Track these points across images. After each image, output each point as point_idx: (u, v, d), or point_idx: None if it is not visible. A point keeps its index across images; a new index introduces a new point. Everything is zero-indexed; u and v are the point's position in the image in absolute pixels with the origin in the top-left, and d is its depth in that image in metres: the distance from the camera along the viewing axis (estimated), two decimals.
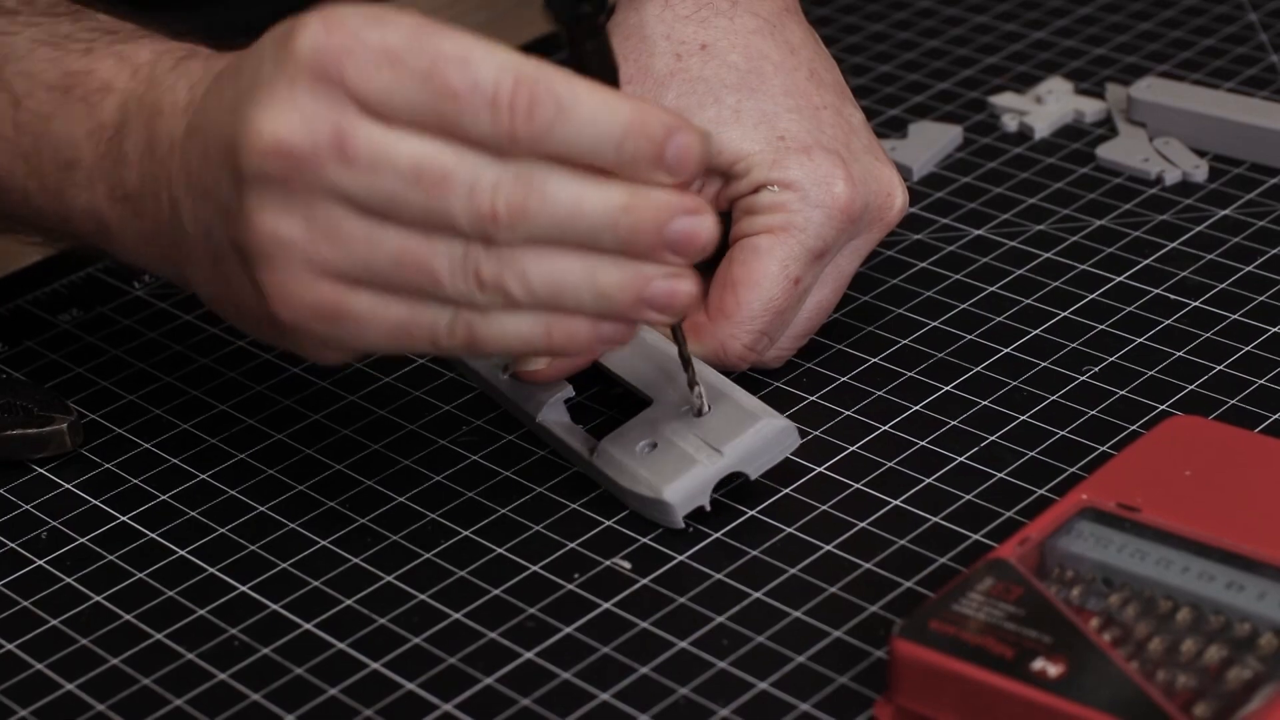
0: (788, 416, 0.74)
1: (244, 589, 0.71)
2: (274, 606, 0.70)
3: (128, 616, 0.70)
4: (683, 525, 0.72)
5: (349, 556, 0.72)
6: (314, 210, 0.62)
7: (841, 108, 0.78)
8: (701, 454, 0.72)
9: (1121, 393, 0.77)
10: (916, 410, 0.77)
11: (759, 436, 0.72)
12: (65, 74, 0.71)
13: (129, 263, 0.73)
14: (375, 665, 0.67)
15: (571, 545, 0.71)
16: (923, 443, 0.75)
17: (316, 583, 0.71)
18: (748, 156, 0.76)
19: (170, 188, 0.67)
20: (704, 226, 0.63)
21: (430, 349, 0.64)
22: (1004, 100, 0.97)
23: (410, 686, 0.66)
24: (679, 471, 0.72)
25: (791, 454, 0.73)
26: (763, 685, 0.65)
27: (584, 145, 0.61)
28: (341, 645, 0.68)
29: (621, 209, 0.62)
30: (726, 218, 0.79)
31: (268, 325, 0.65)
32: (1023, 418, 0.76)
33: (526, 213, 0.61)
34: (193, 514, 0.74)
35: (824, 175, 0.76)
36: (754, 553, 0.70)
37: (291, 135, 0.61)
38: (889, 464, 0.74)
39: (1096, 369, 0.78)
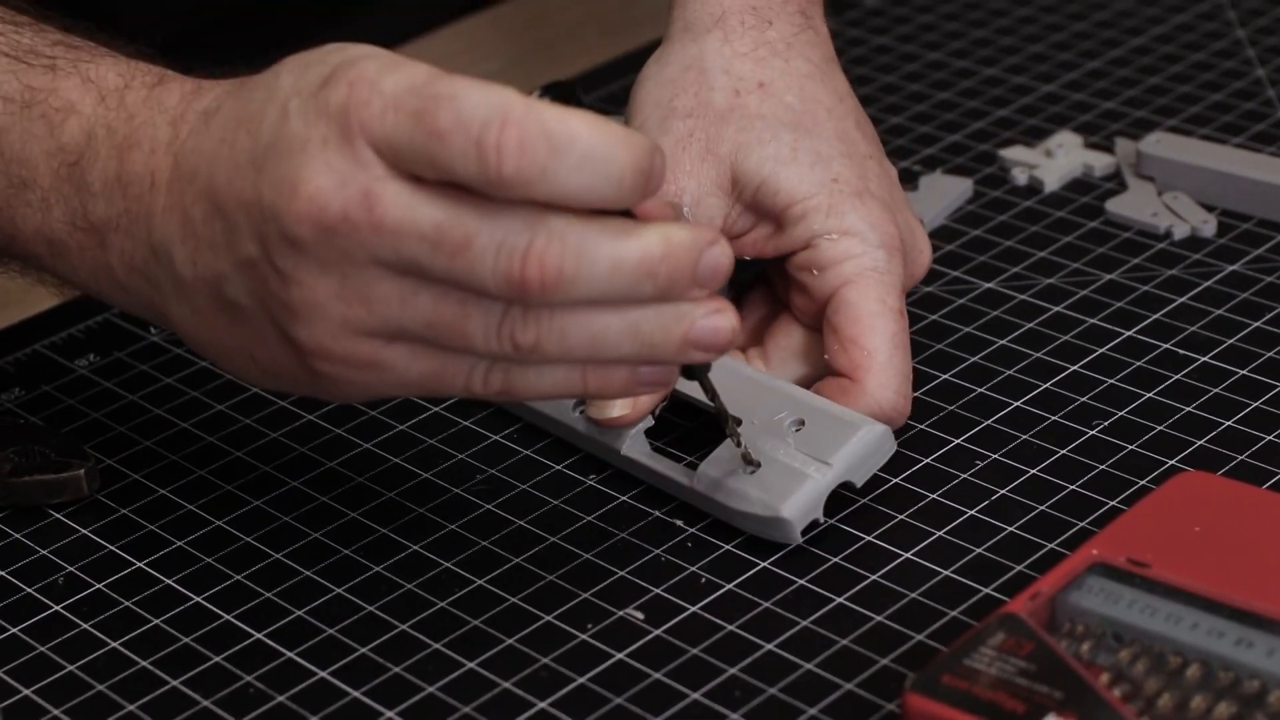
0: None
1: (259, 636, 0.71)
2: (289, 654, 0.70)
3: (144, 662, 0.70)
4: (801, 540, 0.72)
5: (363, 604, 0.72)
6: (348, 273, 0.62)
7: (882, 160, 0.80)
8: (809, 467, 0.72)
9: (1131, 447, 0.77)
10: (927, 463, 0.77)
11: (863, 444, 0.73)
12: (26, 88, 0.70)
13: (77, 288, 0.72)
14: (390, 713, 0.67)
15: (585, 595, 0.72)
16: (933, 495, 0.76)
17: (331, 630, 0.71)
18: (804, 200, 0.77)
19: (151, 228, 0.66)
20: (725, 254, 0.63)
21: (463, 395, 0.64)
22: (1014, 153, 0.97)
23: None
24: (791, 487, 0.72)
25: None
26: None
27: (580, 186, 0.60)
28: (356, 694, 0.68)
29: (660, 258, 0.61)
30: (748, 264, 0.80)
31: (290, 374, 0.65)
32: (1033, 471, 0.76)
33: (563, 279, 0.60)
34: (209, 560, 0.75)
35: (877, 218, 0.77)
36: (766, 604, 0.71)
37: (329, 203, 0.61)
38: (900, 516, 0.75)
39: (1106, 423, 0.79)
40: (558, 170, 0.60)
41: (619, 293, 0.62)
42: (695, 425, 0.78)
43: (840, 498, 0.74)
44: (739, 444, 0.73)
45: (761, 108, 0.78)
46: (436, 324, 0.62)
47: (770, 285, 0.81)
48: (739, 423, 0.74)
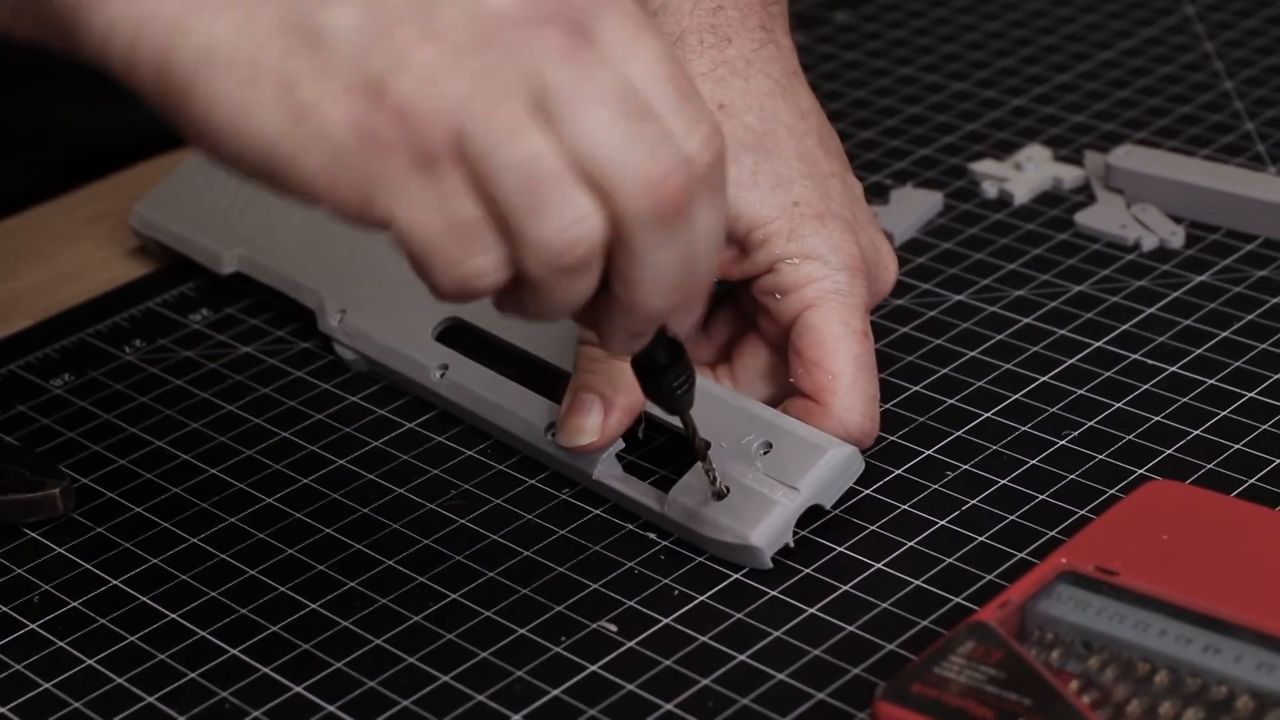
0: None
1: (235, 652, 0.71)
2: (264, 670, 0.70)
3: (120, 680, 0.70)
4: (771, 565, 0.73)
5: (338, 619, 0.72)
6: (499, 66, 0.57)
7: (846, 177, 0.80)
8: (778, 493, 0.73)
9: (1100, 457, 0.78)
10: (898, 474, 0.78)
11: (830, 467, 0.73)
12: None
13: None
14: None
15: (558, 608, 0.72)
16: (904, 506, 0.76)
17: (306, 646, 0.71)
18: (764, 225, 0.77)
19: None
20: None
21: (447, 277, 0.59)
22: (984, 167, 0.98)
23: None
24: (760, 514, 0.73)
25: None
26: None
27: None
28: (331, 708, 0.69)
29: None
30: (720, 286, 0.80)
31: (324, 134, 0.57)
32: (1003, 481, 0.77)
33: (688, 212, 0.60)
34: (184, 578, 0.75)
35: (838, 240, 0.77)
36: (738, 615, 0.71)
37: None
38: (871, 527, 0.75)
39: (1075, 433, 0.79)
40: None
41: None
42: (667, 439, 0.79)
43: (811, 510, 0.75)
44: (713, 479, 0.73)
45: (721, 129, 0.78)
46: (530, 172, 0.57)
47: (738, 304, 0.81)
48: (708, 445, 0.74)
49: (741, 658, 0.69)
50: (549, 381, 0.80)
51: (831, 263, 0.77)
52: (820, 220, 0.77)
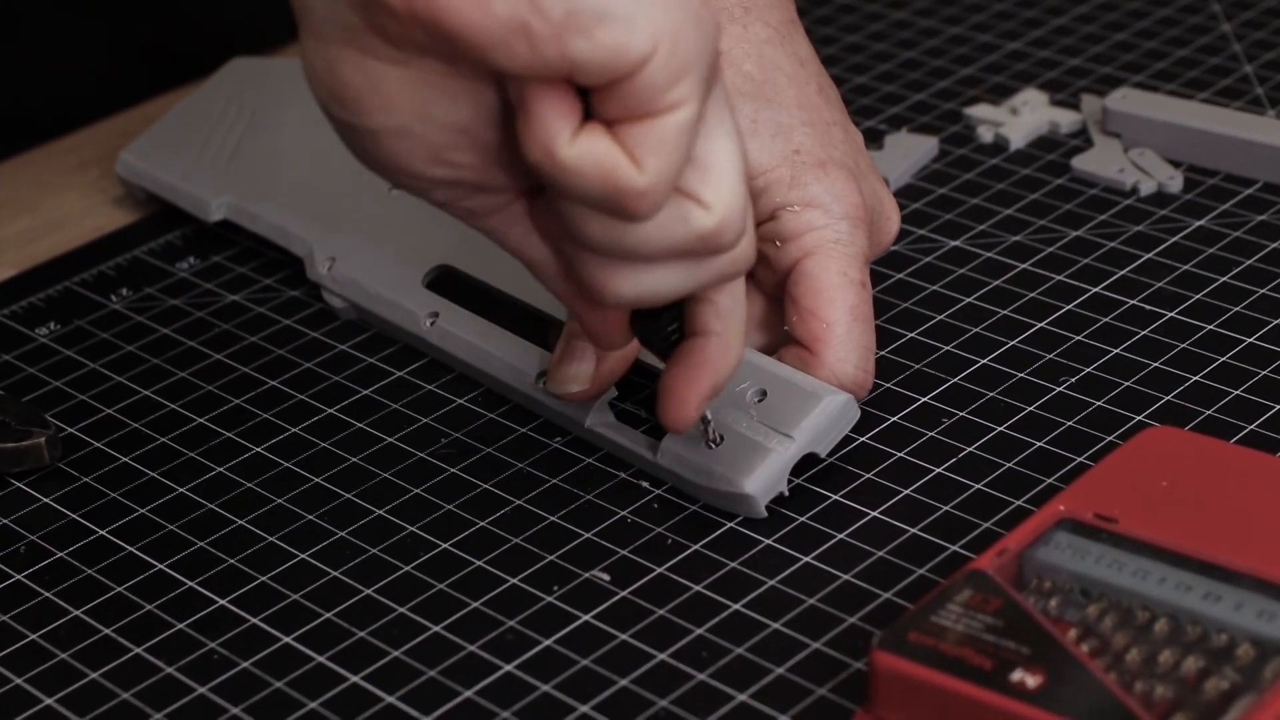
0: None
1: (223, 602, 0.71)
2: (253, 620, 0.70)
3: (107, 630, 0.70)
4: (765, 514, 0.72)
5: (328, 570, 0.72)
6: None
7: (846, 125, 0.79)
8: (772, 440, 0.72)
9: (1098, 403, 0.77)
10: (894, 421, 0.77)
11: (825, 414, 0.73)
12: None
13: None
14: (355, 679, 0.67)
15: (550, 558, 0.72)
16: (900, 454, 0.75)
17: (296, 596, 0.71)
18: (765, 173, 0.76)
19: None
20: None
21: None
22: (979, 111, 0.97)
23: (390, 700, 0.66)
24: (754, 462, 0.72)
25: None
26: (742, 697, 0.65)
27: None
28: (321, 659, 0.68)
29: None
30: None
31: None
32: (1000, 429, 0.76)
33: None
34: (171, 528, 0.74)
35: (840, 189, 0.76)
36: (733, 564, 0.71)
37: None
38: (867, 475, 0.74)
39: (1073, 380, 0.78)
40: None
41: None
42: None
43: (806, 458, 0.74)
44: (707, 428, 0.72)
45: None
46: None
47: None
48: None
49: (736, 607, 0.69)
50: (540, 329, 0.79)
51: (833, 211, 0.76)
52: (822, 168, 0.76)
